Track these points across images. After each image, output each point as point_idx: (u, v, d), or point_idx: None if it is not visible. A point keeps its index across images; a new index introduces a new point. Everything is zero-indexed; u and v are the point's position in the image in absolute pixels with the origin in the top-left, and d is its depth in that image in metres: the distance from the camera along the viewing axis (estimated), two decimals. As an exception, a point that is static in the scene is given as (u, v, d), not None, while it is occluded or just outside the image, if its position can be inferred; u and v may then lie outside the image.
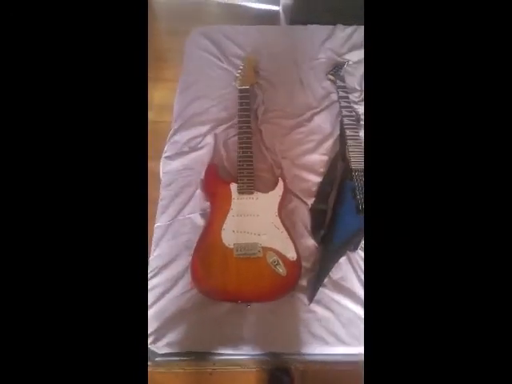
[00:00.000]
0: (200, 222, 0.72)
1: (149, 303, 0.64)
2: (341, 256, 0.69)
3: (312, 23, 1.13)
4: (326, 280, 0.66)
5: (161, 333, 0.61)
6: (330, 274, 0.67)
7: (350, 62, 1.03)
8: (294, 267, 0.66)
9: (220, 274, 0.64)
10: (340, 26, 1.12)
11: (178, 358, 0.63)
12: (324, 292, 0.65)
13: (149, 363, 0.63)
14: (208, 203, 0.74)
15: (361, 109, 0.93)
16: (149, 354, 0.63)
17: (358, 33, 1.11)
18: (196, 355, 0.63)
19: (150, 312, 0.63)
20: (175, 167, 0.79)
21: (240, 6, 1.89)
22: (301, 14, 1.44)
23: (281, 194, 0.75)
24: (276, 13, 1.83)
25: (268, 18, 1.79)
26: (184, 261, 0.67)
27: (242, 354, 0.63)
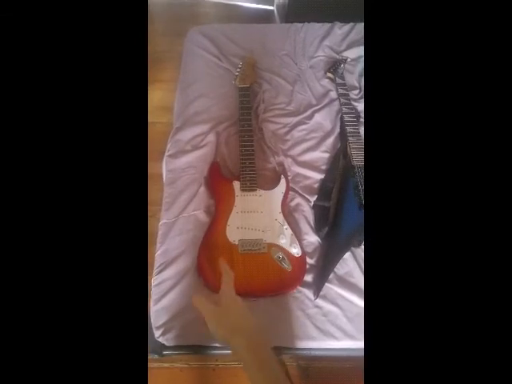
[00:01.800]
0: (204, 218, 0.74)
1: (157, 297, 0.66)
2: (345, 252, 0.71)
3: (307, 22, 1.16)
4: (331, 276, 0.69)
5: (170, 325, 0.64)
6: (336, 269, 0.70)
7: (349, 60, 1.06)
8: (300, 263, 0.68)
9: (226, 271, 0.66)
10: (338, 24, 1.15)
11: (184, 352, 0.65)
12: (330, 287, 0.68)
13: (156, 357, 0.66)
14: (212, 200, 0.76)
15: (360, 106, 0.96)
16: (157, 348, 0.65)
17: (355, 30, 1.14)
18: (203, 349, 0.65)
19: (159, 305, 0.65)
20: (179, 165, 0.81)
21: (235, 5, 1.92)
22: (295, 13, 1.48)
23: (283, 191, 0.77)
24: (270, 12, 1.87)
25: (263, 18, 1.83)
26: (190, 256, 0.69)
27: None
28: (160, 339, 0.64)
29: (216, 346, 0.65)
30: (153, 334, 0.65)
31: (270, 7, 1.85)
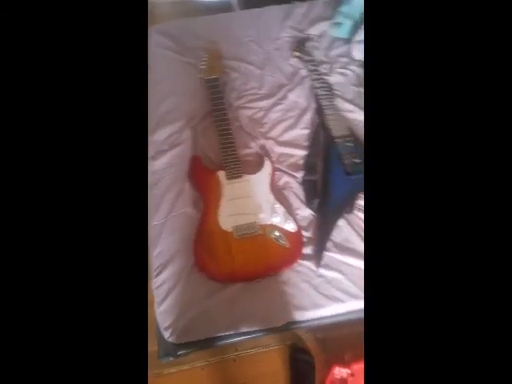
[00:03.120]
0: (194, 213, 0.76)
1: (160, 299, 0.68)
2: (338, 219, 0.75)
3: (265, 5, 1.19)
4: (330, 244, 0.72)
5: (177, 324, 0.65)
6: (333, 237, 0.73)
7: (313, 36, 1.10)
8: (296, 237, 0.71)
9: (225, 258, 0.69)
10: (297, 3, 1.19)
11: (199, 347, 0.67)
12: (330, 255, 0.71)
13: (171, 359, 0.67)
14: (199, 194, 0.78)
15: (331, 79, 1.00)
16: (170, 350, 0.66)
17: (315, 7, 1.18)
18: (217, 339, 0.67)
19: (163, 307, 0.67)
20: (159, 166, 0.83)
21: (191, 1, 1.95)
22: (253, 1, 1.51)
23: (270, 172, 0.80)
24: (227, 3, 1.90)
25: (222, 10, 1.86)
26: (186, 253, 0.71)
27: (263, 330, 0.67)
28: (170, 339, 0.66)
29: (230, 334, 0.66)
30: (163, 337, 0.67)
31: (227, -1, 1.88)
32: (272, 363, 0.88)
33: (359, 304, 0.66)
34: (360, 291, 0.67)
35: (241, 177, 0.78)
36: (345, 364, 0.83)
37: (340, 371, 0.83)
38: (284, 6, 1.19)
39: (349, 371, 0.82)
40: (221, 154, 0.82)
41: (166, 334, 0.66)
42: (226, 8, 1.76)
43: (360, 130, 0.89)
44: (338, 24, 1.08)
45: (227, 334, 0.66)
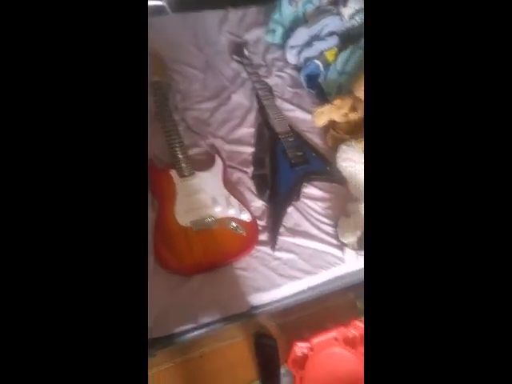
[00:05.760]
0: (151, 214, 0.75)
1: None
2: (287, 206, 0.81)
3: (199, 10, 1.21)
4: (282, 229, 0.78)
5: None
6: (284, 223, 0.79)
7: (250, 42, 1.16)
8: (252, 226, 0.76)
9: (186, 251, 0.70)
10: (231, 10, 1.24)
11: (165, 344, 0.66)
12: (284, 239, 0.77)
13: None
14: (152, 195, 0.77)
15: (270, 81, 1.07)
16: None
17: (249, 14, 1.25)
18: (181, 335, 0.67)
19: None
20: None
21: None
22: (185, 4, 1.52)
23: (221, 168, 0.83)
24: (161, 7, 1.87)
25: (153, 14, 1.81)
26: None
27: (227, 318, 0.69)
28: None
29: (195, 327, 0.67)
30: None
31: (159, 2, 1.85)
32: (239, 353, 0.90)
33: (313, 280, 0.74)
34: (313, 268, 0.74)
35: (193, 174, 0.80)
36: (304, 340, 0.89)
37: (300, 348, 0.89)
38: (219, 12, 1.23)
39: (308, 345, 0.89)
40: (170, 154, 0.82)
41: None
42: (159, 12, 1.73)
43: (299, 127, 0.97)
44: (272, 31, 1.16)
45: (192, 326, 0.66)
